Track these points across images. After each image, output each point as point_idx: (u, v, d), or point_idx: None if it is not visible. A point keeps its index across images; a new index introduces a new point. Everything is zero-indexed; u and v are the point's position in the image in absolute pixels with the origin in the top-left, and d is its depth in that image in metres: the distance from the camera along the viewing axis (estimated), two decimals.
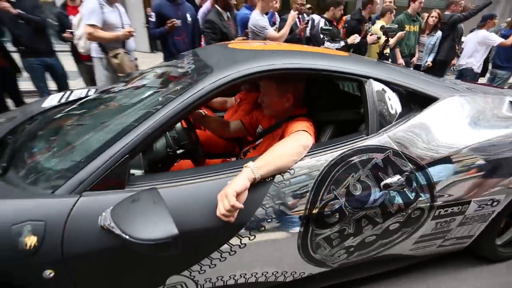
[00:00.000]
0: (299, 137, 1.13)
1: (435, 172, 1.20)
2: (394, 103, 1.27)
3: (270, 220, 1.02)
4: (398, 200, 1.17)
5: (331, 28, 3.29)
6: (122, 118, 1.08)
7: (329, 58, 1.32)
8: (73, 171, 0.94)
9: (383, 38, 3.59)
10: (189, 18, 3.05)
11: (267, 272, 1.15)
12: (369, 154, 1.14)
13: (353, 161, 1.12)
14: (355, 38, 3.52)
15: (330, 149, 1.13)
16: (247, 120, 1.63)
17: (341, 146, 1.14)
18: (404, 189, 1.17)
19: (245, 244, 1.02)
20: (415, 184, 1.18)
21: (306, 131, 1.18)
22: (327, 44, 3.59)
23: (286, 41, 3.25)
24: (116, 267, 0.94)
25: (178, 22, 2.85)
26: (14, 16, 2.82)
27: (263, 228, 1.01)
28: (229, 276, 1.09)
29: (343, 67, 1.24)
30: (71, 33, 3.04)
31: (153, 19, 2.95)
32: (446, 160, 1.21)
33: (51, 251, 0.85)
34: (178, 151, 1.34)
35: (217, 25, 2.78)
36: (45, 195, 0.92)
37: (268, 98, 1.39)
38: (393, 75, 1.32)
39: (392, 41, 3.91)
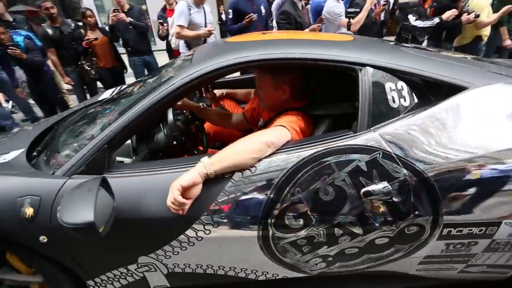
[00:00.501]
0: (267, 133, 1.06)
1: (443, 181, 0.96)
2: (399, 95, 1.05)
3: (224, 217, 1.00)
4: (384, 211, 0.98)
5: (358, 10, 2.91)
6: (110, 112, 1.21)
7: (321, 45, 1.17)
8: (69, 157, 1.12)
9: (451, 12, 2.97)
10: (263, 11, 3.16)
11: (235, 268, 1.14)
12: (350, 155, 0.99)
13: (328, 162, 0.99)
14: (451, 14, 3.02)
15: (304, 147, 1.02)
16: (249, 113, 1.60)
17: (317, 144, 1.02)
18: (393, 199, 0.97)
19: (202, 238, 1.03)
20: (410, 195, 0.97)
21: (285, 127, 1.09)
22: (415, 22, 3.18)
23: (362, 25, 3.07)
24: (93, 241, 1.08)
25: (254, 16, 2.99)
26: (127, 24, 3.45)
27: (217, 224, 1.01)
28: (196, 265, 1.13)
29: (334, 55, 1.09)
30: (161, 23, 3.54)
31: (230, 15, 3.15)
32: (460, 167, 0.95)
33: (43, 221, 1.04)
34: (174, 142, 1.42)
35: (292, 15, 2.80)
36: (46, 175, 1.12)
37: (263, 91, 1.33)
38: (403, 61, 1.09)
39: (494, 16, 3.17)
